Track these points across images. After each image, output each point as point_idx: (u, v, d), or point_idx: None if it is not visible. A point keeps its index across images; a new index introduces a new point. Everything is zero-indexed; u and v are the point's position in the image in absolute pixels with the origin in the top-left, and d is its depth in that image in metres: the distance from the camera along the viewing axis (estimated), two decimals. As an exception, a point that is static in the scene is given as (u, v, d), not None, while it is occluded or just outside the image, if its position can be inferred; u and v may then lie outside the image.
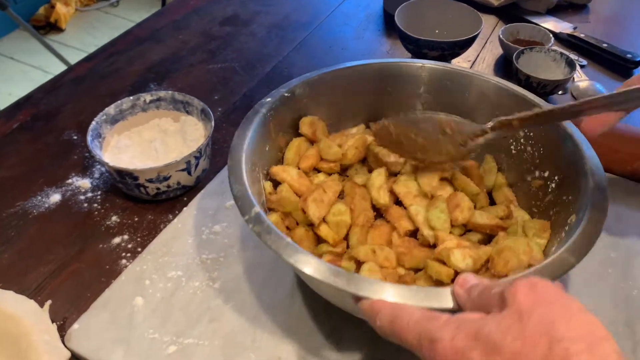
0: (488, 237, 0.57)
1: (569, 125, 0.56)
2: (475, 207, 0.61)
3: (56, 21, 2.62)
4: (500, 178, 0.63)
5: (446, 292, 0.39)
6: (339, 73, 0.65)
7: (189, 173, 0.70)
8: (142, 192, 0.70)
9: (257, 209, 0.48)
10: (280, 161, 0.65)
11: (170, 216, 0.69)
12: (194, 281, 0.60)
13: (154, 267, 0.61)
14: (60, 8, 2.63)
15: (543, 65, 0.90)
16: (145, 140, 0.74)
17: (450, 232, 0.55)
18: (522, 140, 0.62)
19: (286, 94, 0.62)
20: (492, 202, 0.63)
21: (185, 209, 0.70)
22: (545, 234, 0.53)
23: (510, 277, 0.43)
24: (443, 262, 0.51)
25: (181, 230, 0.65)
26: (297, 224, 0.60)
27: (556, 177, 0.57)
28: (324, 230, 0.57)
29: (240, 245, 0.64)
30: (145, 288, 0.61)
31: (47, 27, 2.64)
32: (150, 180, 0.68)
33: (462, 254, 0.50)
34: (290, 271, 0.62)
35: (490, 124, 0.56)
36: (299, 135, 0.66)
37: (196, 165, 0.69)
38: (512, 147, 0.63)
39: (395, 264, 0.55)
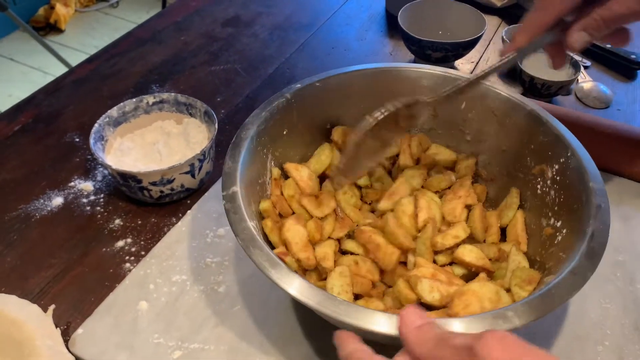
0: (474, 274, 0.54)
1: (595, 179, 0.51)
2: (484, 241, 0.59)
3: (56, 22, 2.62)
4: (518, 216, 0.58)
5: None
6: (374, 72, 0.64)
7: (193, 176, 0.70)
8: (146, 195, 0.69)
9: (237, 189, 0.49)
10: (298, 146, 0.63)
11: (174, 219, 0.69)
12: (199, 285, 0.59)
13: (158, 271, 0.61)
14: (59, 9, 2.62)
15: (547, 66, 0.89)
16: (148, 142, 0.73)
17: (434, 261, 0.53)
18: (549, 182, 0.57)
19: (317, 84, 0.61)
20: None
21: (189, 212, 0.69)
22: (529, 286, 0.49)
23: (455, 321, 0.40)
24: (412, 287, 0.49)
25: (185, 234, 0.64)
26: (293, 212, 0.59)
27: (564, 230, 0.52)
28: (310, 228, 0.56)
29: (245, 249, 0.63)
30: (150, 292, 0.60)
31: (46, 28, 2.63)
32: (153, 183, 0.67)
33: (430, 286, 0.48)
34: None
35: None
36: (324, 130, 0.64)
37: (200, 168, 0.69)
38: (539, 187, 0.58)
39: (377, 277, 0.53)
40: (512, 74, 0.95)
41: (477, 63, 0.99)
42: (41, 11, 2.63)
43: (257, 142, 0.55)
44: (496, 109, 0.61)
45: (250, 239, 0.45)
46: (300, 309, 0.58)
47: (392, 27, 1.10)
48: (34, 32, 2.18)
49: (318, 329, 0.56)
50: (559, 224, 0.55)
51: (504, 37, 0.96)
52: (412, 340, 0.32)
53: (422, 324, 0.33)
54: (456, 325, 0.39)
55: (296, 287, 0.42)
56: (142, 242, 0.66)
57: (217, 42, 1.02)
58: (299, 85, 0.60)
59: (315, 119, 0.63)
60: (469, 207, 0.60)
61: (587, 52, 1.00)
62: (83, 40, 2.61)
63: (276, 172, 0.59)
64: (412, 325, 0.33)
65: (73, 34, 2.67)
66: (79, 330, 0.57)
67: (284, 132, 0.60)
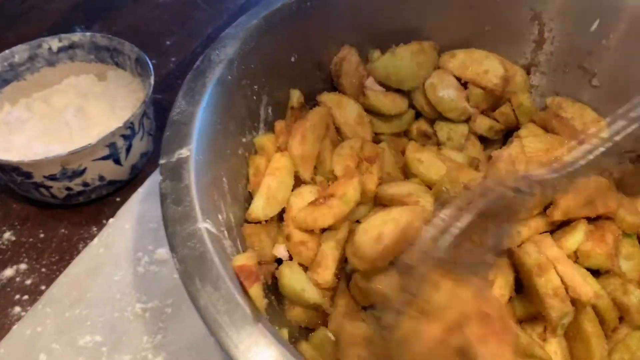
0: None
1: None
2: None
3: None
4: None
5: None
6: None
7: (117, 161, 0.47)
8: (45, 194, 0.47)
9: (188, 152, 0.30)
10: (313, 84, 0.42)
11: (95, 229, 0.49)
12: (123, 353, 0.38)
13: (56, 328, 0.40)
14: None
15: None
16: (54, 110, 0.52)
17: None
18: None
19: None
20: None
21: (111, 221, 0.46)
22: None
23: None
24: None
25: (104, 259, 0.44)
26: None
27: None
28: None
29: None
30: (40, 368, 0.37)
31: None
32: (52, 178, 0.45)
33: None
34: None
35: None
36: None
37: (128, 149, 0.48)
38: None
39: None
40: None
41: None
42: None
43: (240, 71, 0.36)
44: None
45: (198, 261, 0.25)
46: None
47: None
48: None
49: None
50: None
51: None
52: None
53: None
54: None
55: None
56: (42, 270, 0.46)
57: (167, -35, 0.77)
58: None
59: (349, 36, 0.42)
60: None
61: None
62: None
63: (297, 96, 0.40)
64: None
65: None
66: None
67: (292, 59, 0.40)
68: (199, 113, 0.31)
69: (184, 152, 0.29)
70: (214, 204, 0.28)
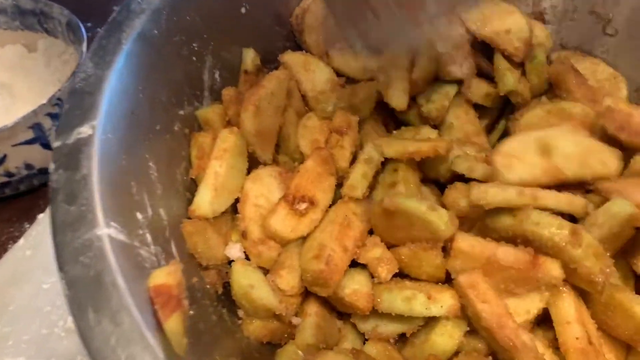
0: None
1: None
2: None
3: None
4: None
5: None
6: None
7: (46, 146, 0.40)
8: None
9: (89, 129, 0.22)
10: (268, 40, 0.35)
11: (28, 225, 0.42)
12: None
13: None
14: None
15: None
16: None
17: None
18: None
19: None
20: None
21: (41, 217, 0.39)
22: None
23: None
24: None
25: (31, 263, 0.38)
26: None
27: None
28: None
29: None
30: (-51, 403, 0.30)
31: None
32: None
33: None
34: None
35: None
36: None
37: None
38: None
39: None
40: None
41: None
42: None
43: (170, 24, 0.28)
44: None
45: (92, 283, 0.19)
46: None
47: None
48: None
49: None
50: None
51: None
52: None
53: None
54: None
55: None
56: (-36, 276, 0.36)
57: None
58: None
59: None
60: None
61: None
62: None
63: (251, 57, 0.33)
64: None
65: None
66: None
67: (243, 10, 0.33)
68: (111, 78, 0.23)
69: (84, 131, 0.21)
70: (131, 198, 0.21)
